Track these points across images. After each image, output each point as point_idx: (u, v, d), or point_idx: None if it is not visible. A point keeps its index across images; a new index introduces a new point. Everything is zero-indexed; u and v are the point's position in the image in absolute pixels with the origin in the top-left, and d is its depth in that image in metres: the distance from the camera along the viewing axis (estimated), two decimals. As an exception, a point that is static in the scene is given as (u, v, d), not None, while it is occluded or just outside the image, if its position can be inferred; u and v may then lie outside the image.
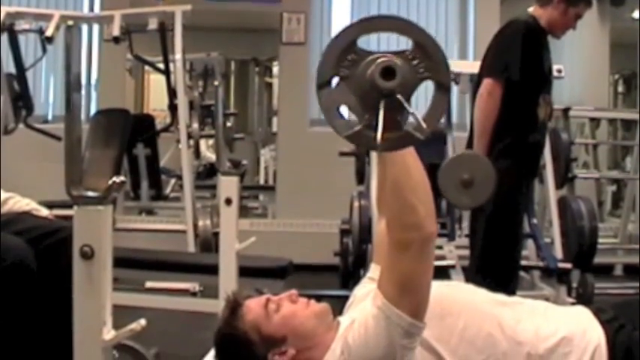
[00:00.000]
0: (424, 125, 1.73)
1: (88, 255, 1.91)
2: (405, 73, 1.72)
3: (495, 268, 4.36)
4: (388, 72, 1.69)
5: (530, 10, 4.55)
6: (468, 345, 2.17)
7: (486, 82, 4.38)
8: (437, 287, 2.23)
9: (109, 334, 1.97)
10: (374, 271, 2.40)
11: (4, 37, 6.27)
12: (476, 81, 4.63)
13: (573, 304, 4.54)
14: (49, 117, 8.84)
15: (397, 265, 2.04)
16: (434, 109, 1.77)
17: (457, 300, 2.29)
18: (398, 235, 2.02)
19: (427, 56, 1.75)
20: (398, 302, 2.03)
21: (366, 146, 1.76)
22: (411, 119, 1.75)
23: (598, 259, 6.24)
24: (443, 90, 1.76)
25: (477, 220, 4.58)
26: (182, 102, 6.34)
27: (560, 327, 2.22)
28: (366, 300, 2.23)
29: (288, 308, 2.24)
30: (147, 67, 8.92)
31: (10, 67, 6.55)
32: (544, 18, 4.47)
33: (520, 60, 4.33)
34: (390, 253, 2.07)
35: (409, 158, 2.01)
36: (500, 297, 2.38)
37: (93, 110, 8.39)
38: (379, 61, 1.71)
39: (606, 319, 2.26)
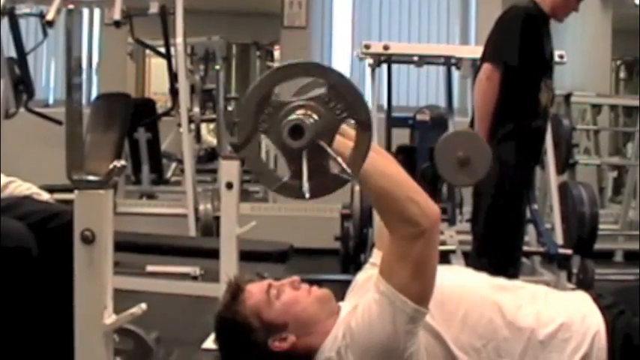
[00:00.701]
0: (348, 170, 1.74)
1: (88, 239, 1.91)
2: (323, 120, 1.73)
3: (497, 254, 4.36)
4: (297, 130, 1.69)
5: None
6: (470, 331, 2.17)
7: (485, 68, 4.38)
8: (438, 272, 2.23)
9: (109, 318, 1.97)
10: (376, 256, 2.39)
11: (5, 21, 6.26)
12: (477, 68, 4.63)
13: (573, 289, 4.55)
14: (50, 101, 8.83)
15: (409, 254, 2.03)
16: (358, 150, 1.77)
17: (458, 285, 2.29)
18: (408, 230, 2.02)
19: (342, 97, 1.75)
20: (406, 289, 2.03)
21: (297, 197, 1.76)
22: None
23: (598, 245, 6.24)
24: (364, 128, 1.76)
25: (480, 205, 4.58)
26: (183, 86, 6.33)
27: (560, 313, 2.22)
28: (367, 285, 2.23)
29: (290, 294, 2.24)
30: (148, 51, 8.90)
31: (11, 51, 6.54)
32: (546, 2, 4.46)
33: (518, 45, 4.32)
34: (398, 245, 2.06)
35: (378, 160, 2.02)
36: (501, 281, 2.38)
37: (94, 94, 8.39)
38: (287, 120, 1.71)
39: (606, 304, 2.26)
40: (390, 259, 2.09)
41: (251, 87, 1.77)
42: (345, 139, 1.81)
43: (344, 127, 1.83)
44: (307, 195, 1.72)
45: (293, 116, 1.71)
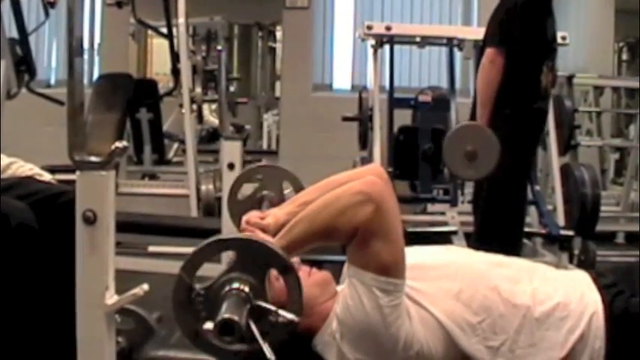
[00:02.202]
0: (290, 317, 1.83)
1: (90, 220, 1.92)
2: (247, 300, 1.82)
3: (499, 234, 4.37)
4: (227, 329, 1.76)
5: None
6: (464, 307, 2.18)
7: (488, 52, 4.39)
8: (434, 251, 2.25)
9: (111, 298, 1.98)
10: None
11: (7, 1, 6.24)
12: (479, 49, 4.62)
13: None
14: (52, 81, 8.83)
15: (369, 230, 2.05)
16: (291, 294, 1.86)
17: (453, 262, 2.30)
18: (366, 221, 2.05)
19: (253, 256, 1.87)
20: (370, 265, 2.06)
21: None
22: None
23: (600, 227, 6.25)
24: (287, 272, 1.86)
25: (481, 186, 4.59)
26: (185, 66, 6.32)
27: (557, 291, 2.23)
28: None
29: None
30: (150, 32, 8.87)
31: (13, 32, 6.53)
32: None
33: (521, 29, 4.32)
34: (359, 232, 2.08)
35: (297, 220, 2.11)
36: (498, 258, 2.39)
37: (96, 75, 8.38)
38: (216, 321, 1.78)
39: (605, 284, 2.27)
40: (352, 245, 2.11)
41: (173, 290, 1.92)
42: (278, 282, 1.93)
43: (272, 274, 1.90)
44: (272, 357, 1.80)
45: (221, 316, 1.77)
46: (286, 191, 2.95)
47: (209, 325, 1.80)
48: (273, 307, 1.82)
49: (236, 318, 1.75)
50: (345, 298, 2.12)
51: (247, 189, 3.01)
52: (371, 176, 2.16)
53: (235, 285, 1.83)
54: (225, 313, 1.76)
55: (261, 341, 1.78)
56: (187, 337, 1.87)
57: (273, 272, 1.90)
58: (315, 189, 2.38)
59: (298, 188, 2.90)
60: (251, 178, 2.87)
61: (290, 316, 1.82)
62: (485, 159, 4.24)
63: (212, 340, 1.82)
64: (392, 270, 2.07)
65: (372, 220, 2.03)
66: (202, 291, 1.86)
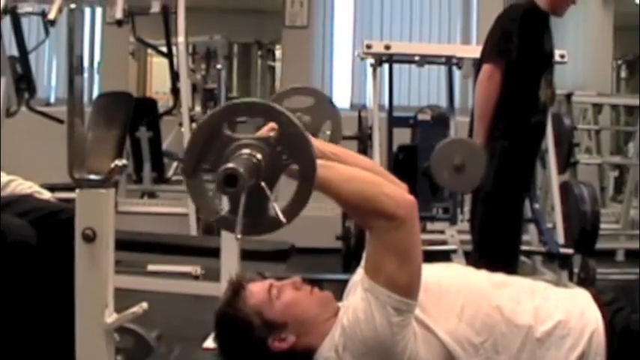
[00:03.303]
0: (282, 218, 1.78)
1: (90, 238, 1.92)
2: (258, 166, 1.76)
3: (495, 250, 4.37)
4: (231, 179, 1.71)
5: None
6: (467, 326, 2.18)
7: (485, 68, 4.39)
8: (436, 268, 2.24)
9: (110, 316, 1.98)
10: None
11: (7, 19, 6.26)
12: (478, 67, 4.63)
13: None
14: (52, 100, 8.83)
15: (389, 247, 2.06)
16: (296, 201, 1.80)
17: (456, 281, 2.30)
18: (388, 223, 2.05)
19: (290, 144, 1.78)
20: (388, 282, 2.06)
21: (230, 231, 1.78)
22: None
23: (600, 245, 6.24)
24: (305, 179, 1.80)
25: (479, 201, 4.59)
26: (184, 85, 6.33)
27: (558, 309, 2.23)
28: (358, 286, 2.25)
29: (291, 295, 2.25)
30: (149, 50, 8.89)
31: (13, 50, 6.54)
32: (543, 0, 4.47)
33: (518, 42, 4.33)
34: (378, 240, 2.09)
35: (339, 168, 2.08)
36: (500, 277, 2.38)
37: (95, 93, 8.39)
38: (222, 168, 1.72)
39: (605, 301, 2.27)
40: (371, 255, 2.12)
41: (202, 120, 1.81)
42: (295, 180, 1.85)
43: (294, 169, 1.84)
44: (239, 234, 1.75)
45: (229, 164, 1.72)
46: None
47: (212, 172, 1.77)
48: (271, 197, 1.77)
49: (241, 171, 1.70)
50: (355, 311, 2.11)
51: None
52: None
53: (254, 153, 1.77)
54: (234, 164, 1.72)
55: (241, 213, 1.73)
56: (183, 172, 1.82)
57: (293, 169, 1.84)
58: (358, 158, 2.34)
59: (337, 133, 2.81)
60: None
61: (281, 216, 1.77)
62: (472, 172, 4.26)
63: (201, 184, 1.81)
64: (407, 290, 2.07)
65: (397, 225, 2.04)
66: (226, 139, 1.80)
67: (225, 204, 1.80)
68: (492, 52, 4.43)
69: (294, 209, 1.79)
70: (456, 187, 4.55)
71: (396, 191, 2.07)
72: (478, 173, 4.24)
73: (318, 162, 1.88)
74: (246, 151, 1.76)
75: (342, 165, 2.14)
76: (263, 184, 1.75)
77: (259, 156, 1.76)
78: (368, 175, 2.12)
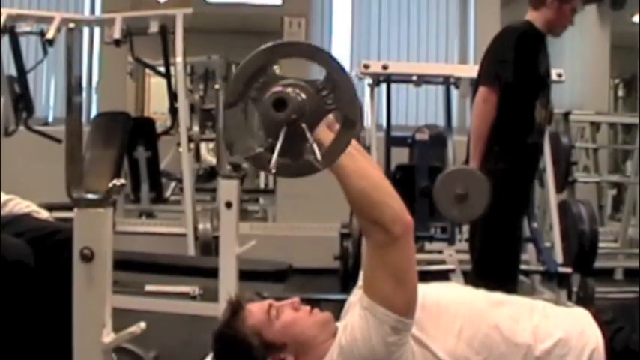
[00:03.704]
0: (320, 158, 1.75)
1: (88, 257, 1.91)
2: (309, 101, 1.74)
3: (494, 270, 4.36)
4: (280, 103, 1.70)
5: (526, 16, 4.55)
6: (466, 345, 2.18)
7: (481, 90, 4.39)
8: (434, 288, 2.24)
9: (108, 336, 1.97)
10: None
11: (6, 39, 6.27)
12: (475, 87, 4.64)
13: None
14: (50, 119, 8.82)
15: (385, 262, 2.06)
16: (337, 144, 1.78)
17: (454, 300, 2.30)
18: (381, 235, 2.05)
19: (336, 88, 1.76)
20: (386, 300, 2.06)
21: (263, 170, 1.77)
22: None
23: (598, 263, 6.24)
24: (349, 125, 1.77)
25: (477, 222, 4.59)
26: (183, 105, 6.33)
27: (557, 327, 2.23)
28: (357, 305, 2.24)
29: (290, 315, 2.25)
30: (147, 70, 8.90)
31: (12, 69, 6.55)
32: (540, 20, 4.48)
33: (513, 63, 4.33)
34: (373, 255, 2.09)
35: (361, 163, 2.06)
36: (498, 296, 2.38)
37: (94, 113, 8.40)
38: (272, 91, 1.72)
39: (605, 320, 2.27)
40: (369, 272, 2.12)
41: (250, 55, 1.78)
42: (332, 132, 1.82)
43: (333, 120, 1.83)
44: (273, 170, 1.73)
45: (280, 88, 1.71)
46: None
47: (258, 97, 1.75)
48: (311, 138, 1.74)
49: (292, 96, 1.69)
50: (353, 330, 2.11)
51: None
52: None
53: (299, 92, 1.74)
54: (281, 91, 1.71)
55: (277, 150, 1.72)
56: (226, 103, 1.79)
57: (330, 120, 1.83)
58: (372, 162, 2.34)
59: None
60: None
61: (320, 157, 1.75)
62: (475, 202, 4.26)
63: (240, 117, 1.78)
64: (404, 309, 2.07)
65: (390, 241, 2.04)
66: (272, 76, 1.77)
67: (260, 141, 1.78)
68: (488, 75, 4.43)
69: (332, 154, 1.77)
70: (457, 217, 4.54)
71: (399, 207, 2.06)
72: (482, 203, 4.23)
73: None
74: (290, 89, 1.74)
75: (364, 159, 2.12)
76: (304, 125, 1.73)
77: (304, 96, 1.74)
78: (383, 180, 2.11)
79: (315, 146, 1.74)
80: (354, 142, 1.90)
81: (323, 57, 1.79)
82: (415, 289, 2.10)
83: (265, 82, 1.76)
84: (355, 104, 1.77)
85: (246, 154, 1.79)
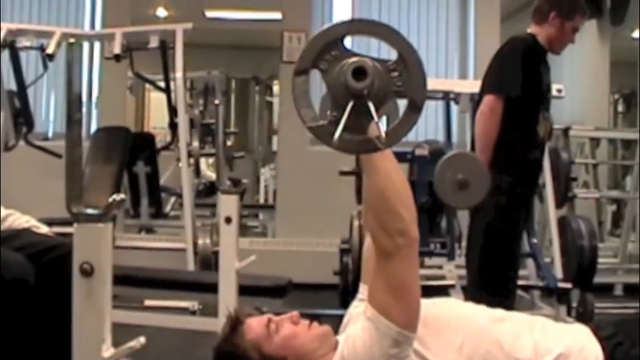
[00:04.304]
0: (383, 137, 1.74)
1: (87, 272, 1.91)
2: (379, 79, 1.73)
3: (493, 284, 4.35)
4: (360, 72, 1.70)
5: (529, 29, 4.56)
6: (467, 361, 2.17)
7: (487, 99, 4.38)
8: (435, 303, 2.24)
9: (108, 351, 1.97)
10: (363, 291, 2.40)
11: (6, 53, 6.28)
12: (477, 99, 4.63)
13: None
14: (50, 134, 8.84)
15: (386, 273, 2.07)
16: (400, 126, 1.77)
17: (455, 316, 2.30)
18: (385, 242, 2.05)
19: (407, 71, 1.76)
20: (388, 312, 2.06)
21: (324, 142, 1.76)
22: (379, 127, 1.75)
23: (598, 279, 6.24)
24: (414, 108, 1.76)
25: (475, 235, 4.58)
26: (182, 120, 6.34)
27: (558, 343, 2.22)
28: (360, 317, 2.24)
29: (289, 329, 2.25)
30: (147, 85, 8.92)
31: (11, 84, 6.56)
32: (542, 36, 4.49)
33: (520, 76, 4.34)
34: (377, 264, 2.10)
35: (391, 166, 2.06)
36: (499, 312, 2.38)
37: (93, 127, 8.40)
38: (352, 60, 1.72)
39: (605, 336, 2.26)
40: (375, 286, 2.12)
41: (324, 27, 1.77)
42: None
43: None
44: (336, 142, 1.72)
45: (357, 58, 1.72)
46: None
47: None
48: (376, 117, 1.72)
49: (372, 65, 1.69)
50: (354, 342, 2.12)
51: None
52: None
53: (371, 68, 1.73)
54: (362, 61, 1.71)
55: (342, 123, 1.71)
56: (295, 70, 1.78)
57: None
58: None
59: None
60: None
61: (383, 135, 1.73)
62: (476, 188, 4.24)
63: (306, 87, 1.78)
64: (407, 322, 2.08)
65: (393, 249, 2.04)
66: (343, 50, 1.76)
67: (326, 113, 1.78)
68: (494, 85, 4.43)
69: (395, 135, 1.76)
70: (457, 202, 4.52)
71: (410, 220, 2.06)
72: (482, 189, 4.22)
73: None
74: (368, 60, 1.73)
75: (395, 164, 2.11)
76: (370, 103, 1.72)
77: (380, 69, 1.74)
78: (406, 190, 2.10)
79: (379, 125, 1.74)
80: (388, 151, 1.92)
81: (398, 38, 1.78)
82: (418, 304, 2.10)
83: (337, 55, 1.76)
84: (424, 89, 1.77)
85: (311, 124, 1.78)
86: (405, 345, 2.07)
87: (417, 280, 2.11)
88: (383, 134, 1.74)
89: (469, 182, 4.25)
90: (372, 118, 1.73)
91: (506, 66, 4.41)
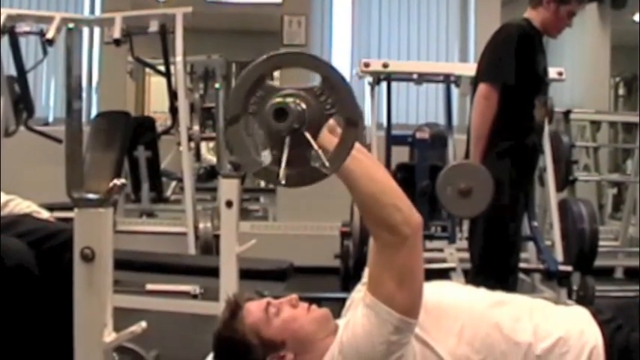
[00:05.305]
0: (327, 163, 1.74)
1: (88, 257, 1.91)
2: (309, 109, 1.74)
3: (494, 269, 4.36)
4: (280, 113, 1.70)
5: (525, 14, 4.55)
6: (466, 345, 2.18)
7: (482, 87, 4.38)
8: (435, 288, 2.24)
9: (109, 336, 1.97)
10: (367, 275, 2.40)
11: (5, 39, 6.27)
12: (473, 85, 4.63)
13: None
14: (50, 119, 8.84)
15: (392, 263, 2.06)
16: (342, 146, 1.77)
17: (456, 300, 2.30)
18: (392, 237, 2.05)
19: (334, 91, 1.76)
20: (390, 299, 2.06)
21: (272, 183, 1.77)
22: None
23: (598, 262, 6.24)
24: (350, 125, 1.76)
25: (476, 221, 4.59)
26: (183, 104, 6.33)
27: (557, 326, 2.23)
28: (360, 303, 2.24)
29: (288, 313, 2.25)
30: (148, 70, 8.90)
31: (11, 70, 6.55)
32: (537, 19, 4.48)
33: (514, 63, 4.33)
34: (381, 255, 2.08)
35: (367, 164, 2.07)
36: (499, 296, 2.39)
37: (94, 112, 8.40)
38: (271, 102, 1.72)
39: (604, 319, 2.27)
40: (374, 271, 2.12)
41: (245, 70, 1.78)
42: (334, 136, 1.82)
43: (334, 124, 1.84)
44: (283, 182, 1.72)
45: (279, 99, 1.72)
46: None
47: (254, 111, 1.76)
48: (315, 145, 1.74)
49: (292, 106, 1.70)
50: (354, 327, 2.11)
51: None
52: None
53: (299, 102, 1.74)
54: (282, 102, 1.71)
55: (284, 161, 1.71)
56: (226, 121, 1.78)
57: (332, 125, 1.84)
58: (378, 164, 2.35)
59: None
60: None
61: (327, 162, 1.74)
62: (479, 196, 4.26)
63: (242, 134, 1.78)
64: (408, 309, 2.08)
65: (401, 241, 2.04)
66: (269, 88, 1.77)
67: (265, 157, 1.78)
68: (489, 72, 4.43)
69: (338, 157, 1.76)
70: (462, 212, 4.54)
71: (407, 207, 2.07)
72: (485, 198, 4.24)
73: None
74: (289, 99, 1.74)
75: (370, 161, 2.12)
76: (307, 133, 1.73)
77: (303, 105, 1.74)
78: (390, 181, 2.10)
79: (320, 152, 1.74)
80: (358, 145, 1.90)
81: (315, 62, 1.79)
82: (421, 290, 2.10)
83: (263, 95, 1.77)
84: (354, 104, 1.77)
85: (254, 170, 1.79)
86: (406, 332, 2.08)
87: (422, 266, 2.12)
88: (325, 161, 1.74)
89: (472, 190, 4.26)
90: (312, 147, 1.74)
91: (501, 54, 4.41)
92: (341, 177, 2.01)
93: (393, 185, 2.08)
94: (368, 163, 2.08)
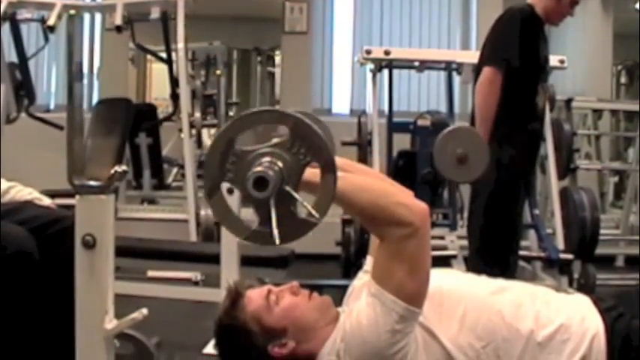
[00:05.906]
0: (314, 213, 1.75)
1: (90, 244, 1.92)
2: (285, 167, 1.75)
3: (494, 255, 4.36)
4: (261, 182, 1.70)
5: (528, 0, 4.55)
6: (468, 332, 2.18)
7: (487, 70, 4.37)
8: (437, 275, 2.24)
9: (110, 323, 1.98)
10: (369, 263, 2.40)
11: (7, 26, 6.27)
12: (476, 70, 4.63)
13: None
14: (51, 106, 8.83)
15: (402, 254, 2.06)
16: (323, 193, 1.78)
17: (457, 287, 2.30)
18: (402, 230, 2.05)
19: (304, 141, 1.77)
20: (396, 289, 2.06)
21: (267, 244, 1.77)
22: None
23: (600, 250, 6.24)
24: (328, 170, 1.77)
25: (476, 207, 4.58)
26: (184, 91, 6.33)
27: (559, 313, 2.23)
28: (363, 290, 2.24)
29: (289, 300, 2.25)
30: (149, 56, 8.89)
31: (12, 56, 6.55)
32: (539, 7, 4.47)
33: (518, 46, 4.33)
34: (390, 247, 2.08)
35: (354, 179, 2.09)
36: (500, 282, 2.39)
37: (95, 99, 8.39)
38: (251, 172, 1.72)
39: (605, 307, 2.27)
40: (382, 260, 2.11)
41: (213, 139, 1.81)
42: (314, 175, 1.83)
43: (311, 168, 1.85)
44: (277, 242, 1.74)
45: (257, 168, 1.73)
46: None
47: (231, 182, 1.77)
48: (299, 198, 1.76)
49: (271, 173, 1.70)
50: (359, 316, 2.11)
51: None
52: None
53: (274, 160, 1.75)
54: (260, 171, 1.72)
55: (274, 222, 1.72)
56: (206, 193, 1.80)
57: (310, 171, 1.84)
58: (364, 169, 2.35)
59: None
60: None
61: (314, 212, 1.75)
62: (475, 162, 4.24)
63: (224, 203, 1.80)
64: (414, 298, 2.08)
65: (411, 233, 2.04)
66: (240, 153, 1.78)
67: (252, 220, 1.79)
68: (493, 56, 4.42)
69: (323, 203, 1.77)
70: (457, 177, 4.53)
71: (409, 199, 2.08)
72: (482, 163, 4.22)
73: None
74: (265, 159, 1.75)
75: (354, 175, 2.14)
76: (288, 188, 1.75)
77: (280, 163, 1.75)
78: (380, 184, 2.13)
79: (305, 204, 1.76)
80: (339, 159, 1.92)
81: (280, 117, 1.80)
82: (427, 278, 2.10)
83: (235, 160, 1.78)
84: (326, 149, 1.78)
85: (244, 236, 1.80)
86: (411, 321, 2.08)
87: (430, 255, 2.12)
88: (312, 211, 1.75)
89: (468, 156, 4.25)
90: (296, 200, 1.76)
91: (505, 36, 4.40)
92: (338, 201, 1.99)
93: (385, 185, 2.11)
94: (354, 178, 2.10)
